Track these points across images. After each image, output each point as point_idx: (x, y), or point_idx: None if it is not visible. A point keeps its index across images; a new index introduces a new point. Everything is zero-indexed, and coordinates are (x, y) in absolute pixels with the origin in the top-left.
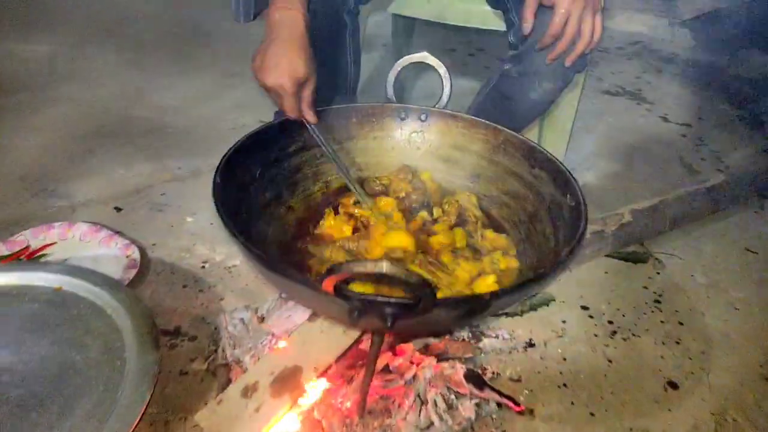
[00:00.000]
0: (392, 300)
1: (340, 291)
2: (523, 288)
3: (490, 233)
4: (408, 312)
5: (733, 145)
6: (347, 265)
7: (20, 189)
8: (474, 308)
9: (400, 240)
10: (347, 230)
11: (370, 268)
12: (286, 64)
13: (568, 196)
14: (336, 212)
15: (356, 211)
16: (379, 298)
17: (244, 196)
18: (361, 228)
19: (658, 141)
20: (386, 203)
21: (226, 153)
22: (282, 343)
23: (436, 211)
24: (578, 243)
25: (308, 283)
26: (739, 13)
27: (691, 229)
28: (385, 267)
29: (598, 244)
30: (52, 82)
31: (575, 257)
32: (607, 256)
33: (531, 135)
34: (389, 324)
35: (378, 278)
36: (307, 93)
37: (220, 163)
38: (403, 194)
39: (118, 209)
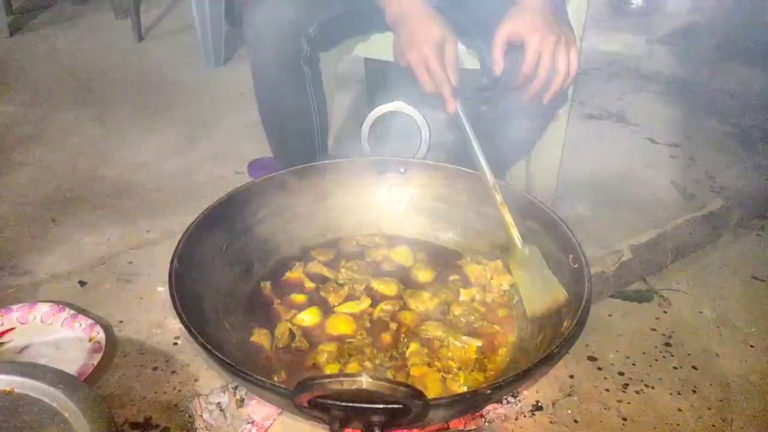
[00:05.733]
0: (379, 407)
1: (316, 402)
2: (529, 374)
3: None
4: (398, 418)
5: (724, 163)
6: (320, 382)
7: None
8: (473, 404)
9: (343, 327)
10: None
11: (347, 384)
12: (421, 32)
13: (570, 257)
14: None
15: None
16: (365, 406)
17: (208, 276)
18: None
19: (649, 164)
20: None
21: (186, 230)
22: None
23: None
24: (584, 313)
25: (279, 393)
26: (715, 25)
27: (693, 260)
28: (364, 382)
29: (599, 287)
30: (17, 145)
31: (582, 328)
32: (610, 296)
33: (518, 173)
34: None
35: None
36: (450, 55)
37: (178, 244)
38: (379, 258)
39: (82, 283)
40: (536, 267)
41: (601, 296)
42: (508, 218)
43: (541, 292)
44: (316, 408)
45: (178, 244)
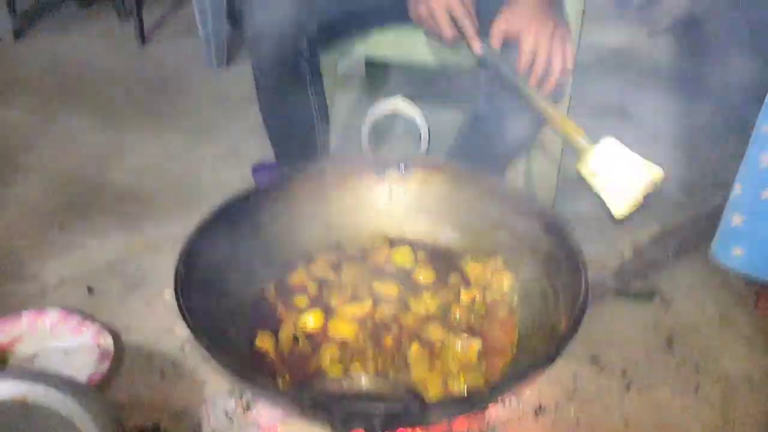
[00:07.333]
0: (380, 409)
1: (317, 404)
2: (527, 375)
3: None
4: (398, 419)
5: (727, 157)
6: (321, 384)
7: None
8: (471, 405)
9: (345, 330)
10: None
11: (347, 386)
12: None
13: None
14: None
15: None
16: (366, 408)
17: (213, 280)
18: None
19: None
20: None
21: (190, 234)
22: None
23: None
24: (581, 312)
25: (282, 396)
26: (716, 16)
27: (695, 257)
28: (364, 383)
29: (600, 286)
30: (23, 151)
31: (578, 327)
32: (612, 296)
33: (519, 169)
34: None
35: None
36: (468, 2)
37: (183, 248)
38: (381, 259)
39: (90, 289)
40: (619, 157)
41: (602, 296)
42: (570, 123)
43: (627, 185)
44: (318, 409)
45: (183, 247)
